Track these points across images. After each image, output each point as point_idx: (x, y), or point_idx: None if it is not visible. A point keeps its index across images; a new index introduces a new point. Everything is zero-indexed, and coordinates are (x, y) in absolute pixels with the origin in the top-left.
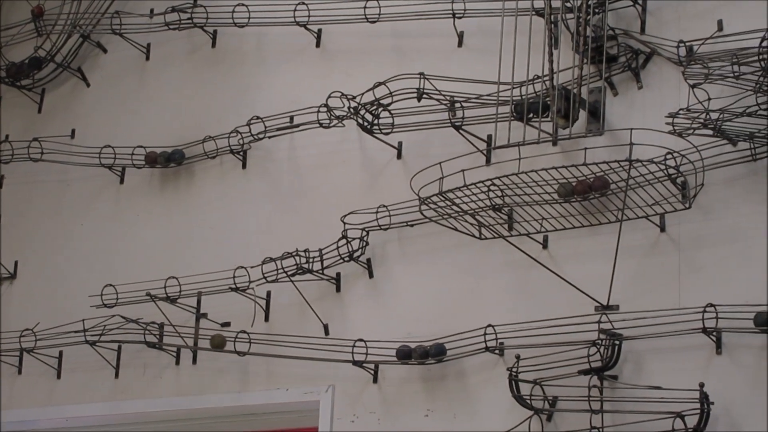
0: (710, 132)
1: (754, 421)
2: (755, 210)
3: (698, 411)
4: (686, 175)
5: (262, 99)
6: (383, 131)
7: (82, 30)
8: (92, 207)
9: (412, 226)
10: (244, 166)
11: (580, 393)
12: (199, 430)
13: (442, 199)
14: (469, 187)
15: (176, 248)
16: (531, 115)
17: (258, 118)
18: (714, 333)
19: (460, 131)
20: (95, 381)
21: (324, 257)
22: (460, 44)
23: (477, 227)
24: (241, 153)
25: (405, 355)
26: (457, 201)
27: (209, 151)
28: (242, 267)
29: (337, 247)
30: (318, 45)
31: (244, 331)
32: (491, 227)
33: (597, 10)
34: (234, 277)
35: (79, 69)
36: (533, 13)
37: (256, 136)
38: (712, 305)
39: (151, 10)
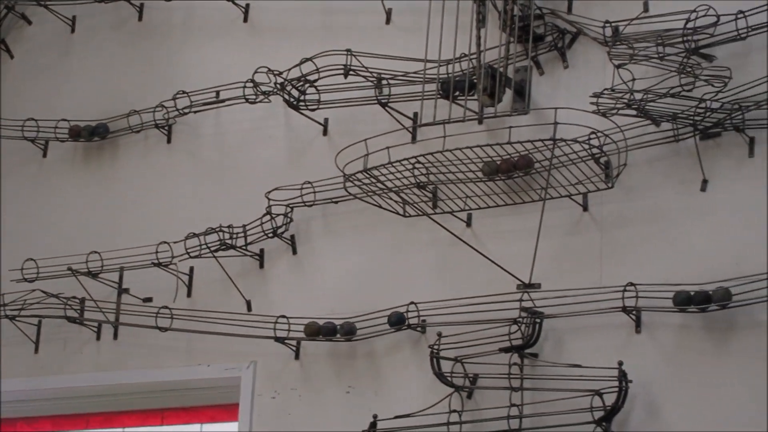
0: (634, 112)
1: (672, 398)
2: (677, 190)
3: (616, 389)
4: (609, 154)
5: (188, 73)
6: (309, 107)
7: (6, 1)
8: (14, 180)
9: (336, 202)
10: (169, 140)
11: (500, 370)
12: (120, 406)
13: (367, 176)
14: (394, 164)
15: (99, 223)
16: (457, 93)
17: (184, 92)
18: (633, 312)
19: (387, 108)
20: (15, 356)
21: (248, 233)
22: (388, 21)
23: (401, 205)
24: (166, 127)
25: (328, 331)
26: (382, 178)
27: (134, 126)
28: (165, 242)
29: (261, 223)
30: (246, 20)
31: (166, 307)
32: (415, 205)
33: None
34: (157, 252)
35: (2, 41)
36: None
37: (181, 111)
38: (632, 284)
39: None
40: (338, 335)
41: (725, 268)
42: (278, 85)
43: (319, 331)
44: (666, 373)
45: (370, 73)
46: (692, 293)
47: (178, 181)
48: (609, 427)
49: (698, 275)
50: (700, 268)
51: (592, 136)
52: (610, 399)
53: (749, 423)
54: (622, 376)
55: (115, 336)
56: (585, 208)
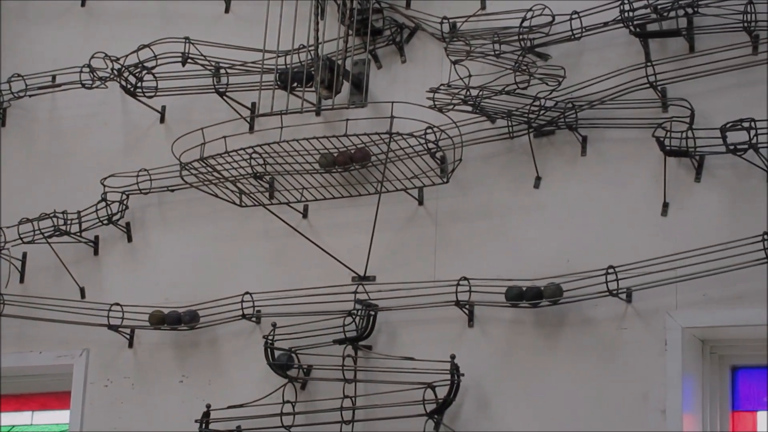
0: (470, 108)
1: (503, 392)
2: (511, 187)
3: (449, 382)
4: (445, 150)
5: (24, 57)
6: (147, 94)
7: None
8: None
9: (172, 191)
10: (3, 124)
11: (334, 362)
12: None
13: (204, 165)
14: (231, 154)
15: None
16: (295, 84)
17: (18, 75)
18: (467, 306)
19: (224, 98)
20: None
21: (82, 220)
22: (227, 10)
23: (238, 194)
24: (0, 111)
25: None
26: (219, 168)
27: None
28: None
29: (96, 210)
30: (83, 4)
31: None
32: (252, 195)
33: None
34: None
35: None
36: None
37: (16, 94)
38: (465, 279)
39: None
40: (182, 324)
41: (557, 265)
42: (115, 71)
43: (164, 320)
44: (497, 367)
45: (209, 61)
46: (524, 288)
47: (11, 164)
48: (441, 420)
49: (530, 271)
50: (533, 264)
51: (428, 130)
52: (442, 392)
53: (577, 418)
54: (455, 370)
55: None
56: (420, 203)
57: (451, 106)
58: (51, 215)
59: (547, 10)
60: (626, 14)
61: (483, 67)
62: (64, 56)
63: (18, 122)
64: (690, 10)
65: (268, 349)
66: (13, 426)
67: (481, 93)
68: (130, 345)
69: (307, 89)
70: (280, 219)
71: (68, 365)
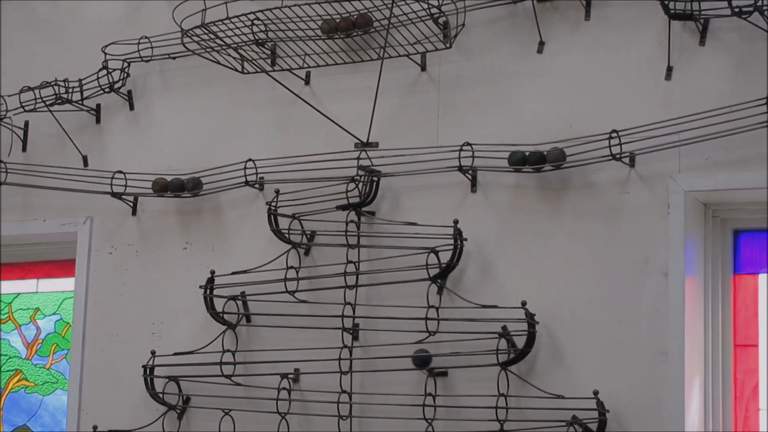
0: None
1: (506, 256)
2: (514, 52)
3: (452, 247)
4: (448, 15)
5: None
6: None
7: None
8: None
9: (174, 58)
10: None
11: (337, 228)
12: None
13: (205, 31)
14: (232, 19)
15: None
16: None
17: None
18: (469, 171)
19: None
20: None
21: (84, 88)
22: None
23: (240, 61)
24: None
25: (176, 187)
26: (221, 34)
27: None
28: None
29: (98, 78)
30: None
31: (1, 161)
32: (254, 62)
33: None
34: None
35: None
36: None
37: None
38: (468, 144)
39: None
40: (186, 191)
41: (560, 129)
42: None
43: (167, 187)
44: (500, 231)
45: None
46: (527, 153)
47: (11, 32)
48: (444, 284)
49: (533, 136)
50: (536, 129)
51: None
52: (445, 257)
53: (580, 282)
54: (458, 235)
55: None
56: (423, 68)
57: None
58: (52, 83)
59: None
60: None
61: None
62: None
63: None
64: None
65: (271, 216)
66: (19, 293)
67: None
68: (134, 212)
69: None
70: (283, 85)
71: (72, 233)
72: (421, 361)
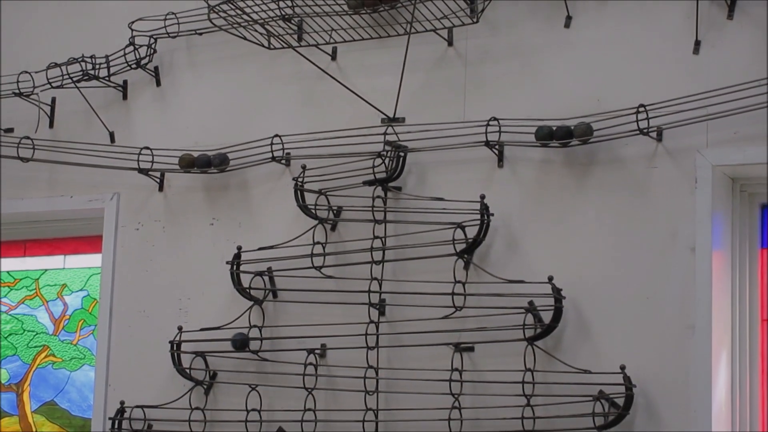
0: None
1: (532, 231)
2: (541, 26)
3: (478, 222)
4: None
5: None
6: None
7: None
8: None
9: (201, 34)
10: None
11: (364, 203)
12: None
13: (232, 7)
14: None
15: None
16: None
17: None
18: (496, 146)
19: None
20: None
21: (111, 64)
22: None
23: (266, 37)
24: None
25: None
26: (247, 10)
27: None
28: (26, 72)
29: (125, 54)
30: None
31: (28, 137)
32: (280, 37)
33: None
34: (18, 81)
35: None
36: None
37: None
38: (495, 119)
39: None
40: (212, 167)
41: (587, 104)
42: None
43: (194, 163)
44: (526, 206)
45: None
46: (554, 128)
47: (38, 7)
48: (470, 259)
49: (561, 110)
50: (563, 104)
51: None
52: (471, 232)
53: (607, 257)
54: (484, 210)
55: None
56: (450, 43)
57: None
58: (79, 60)
59: None
60: None
61: None
62: None
63: None
64: None
65: (298, 191)
66: (46, 269)
67: None
68: (161, 188)
69: None
70: (309, 61)
71: (99, 209)
72: (241, 344)
